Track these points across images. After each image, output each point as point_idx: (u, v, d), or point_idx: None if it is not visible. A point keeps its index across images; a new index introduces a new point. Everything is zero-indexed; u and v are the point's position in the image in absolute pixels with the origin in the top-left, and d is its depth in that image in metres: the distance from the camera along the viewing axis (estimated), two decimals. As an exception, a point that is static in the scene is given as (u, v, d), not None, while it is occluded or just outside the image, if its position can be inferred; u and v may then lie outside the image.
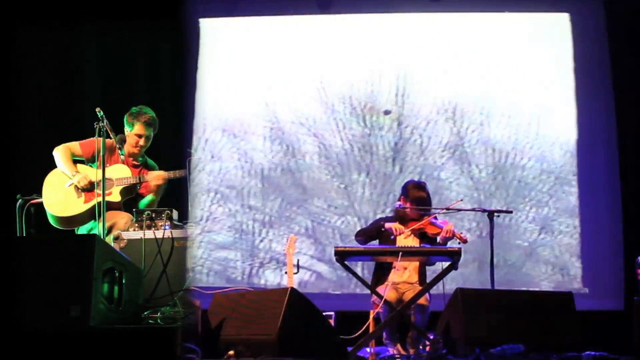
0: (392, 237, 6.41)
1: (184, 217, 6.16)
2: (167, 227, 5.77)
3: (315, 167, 8.20)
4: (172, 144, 7.48)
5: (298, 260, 6.53)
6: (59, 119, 7.88)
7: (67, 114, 7.93)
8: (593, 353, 4.57)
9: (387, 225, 6.44)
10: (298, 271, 6.45)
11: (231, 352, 4.99)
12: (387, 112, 8.14)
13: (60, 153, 6.25)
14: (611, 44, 8.02)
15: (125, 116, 6.38)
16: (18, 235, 6.11)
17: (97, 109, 5.77)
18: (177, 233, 5.79)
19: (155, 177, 6.22)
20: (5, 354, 4.37)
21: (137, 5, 7.90)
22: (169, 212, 5.84)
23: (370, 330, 6.06)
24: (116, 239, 5.81)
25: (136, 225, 5.84)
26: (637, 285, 6.63)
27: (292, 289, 5.13)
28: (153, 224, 5.80)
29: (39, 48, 8.09)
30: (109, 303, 4.79)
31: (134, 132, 6.34)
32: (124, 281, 4.93)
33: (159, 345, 4.45)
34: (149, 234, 5.74)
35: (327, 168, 8.20)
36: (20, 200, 6.23)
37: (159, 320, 5.13)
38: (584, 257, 7.94)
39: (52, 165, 6.28)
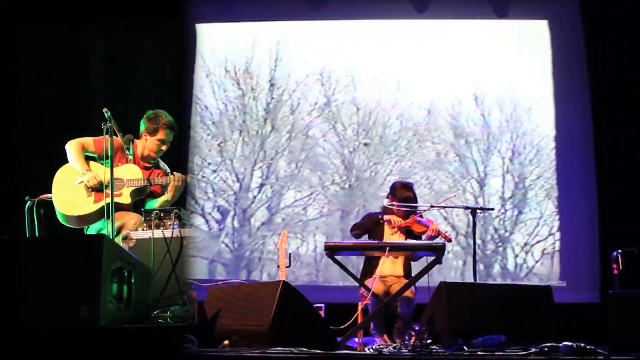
0: (393, 227, 6.42)
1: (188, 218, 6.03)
2: (175, 227, 5.55)
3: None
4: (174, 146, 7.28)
5: (290, 255, 6.54)
6: (65, 120, 7.75)
7: (74, 115, 7.83)
8: (570, 343, 4.56)
9: (386, 217, 6.46)
10: (290, 265, 6.47)
11: (226, 342, 4.98)
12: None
13: (73, 148, 5.92)
14: (587, 48, 8.06)
15: (142, 120, 6.09)
16: (27, 236, 5.81)
17: (105, 110, 5.49)
18: (185, 232, 5.58)
19: (176, 178, 5.92)
20: (15, 354, 4.22)
21: (140, 8, 7.87)
22: (177, 211, 5.60)
23: (359, 321, 6.07)
24: (125, 238, 5.57)
25: (145, 224, 5.60)
26: (613, 279, 6.67)
27: (285, 282, 5.13)
28: (162, 224, 5.57)
29: (45, 49, 8.00)
30: (118, 303, 4.61)
31: (158, 137, 6.05)
32: (133, 281, 4.75)
33: (169, 344, 4.31)
34: (158, 233, 5.52)
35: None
36: (28, 202, 5.92)
37: (168, 320, 4.99)
38: (562, 252, 7.97)
39: (59, 167, 5.96)
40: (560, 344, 4.56)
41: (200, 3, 8.26)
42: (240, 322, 5.12)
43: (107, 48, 8.27)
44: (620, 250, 6.65)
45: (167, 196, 5.97)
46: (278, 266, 6.48)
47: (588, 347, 4.53)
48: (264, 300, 5.04)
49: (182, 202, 6.08)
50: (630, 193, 7.74)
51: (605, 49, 7.97)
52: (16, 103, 7.84)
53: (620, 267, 6.59)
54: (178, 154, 6.89)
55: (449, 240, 6.27)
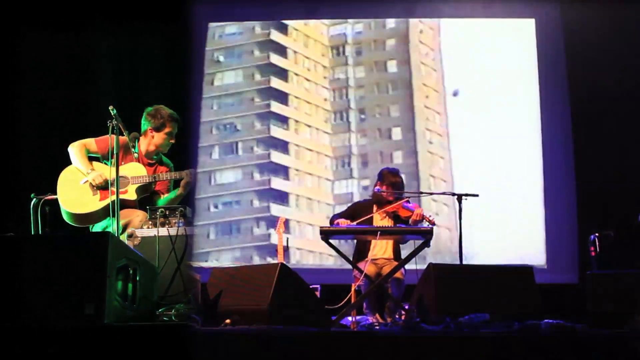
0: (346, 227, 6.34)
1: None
2: (180, 224, 5.28)
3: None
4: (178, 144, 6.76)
5: (287, 239, 6.54)
6: (72, 120, 7.64)
7: (80, 114, 7.69)
8: (551, 321, 4.57)
9: (336, 221, 6.35)
10: (288, 248, 6.47)
11: (228, 321, 4.97)
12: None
13: (75, 149, 5.65)
14: (568, 48, 8.08)
15: (144, 117, 5.85)
16: (32, 233, 5.59)
17: (110, 107, 5.23)
18: (190, 230, 5.33)
19: (188, 173, 5.67)
20: (20, 352, 4.07)
21: (146, 8, 7.82)
22: (182, 209, 5.33)
23: (352, 301, 6.08)
24: (130, 236, 5.33)
25: (150, 222, 5.35)
26: (590, 260, 6.68)
27: (282, 264, 5.12)
28: (167, 221, 5.30)
29: (51, 49, 7.88)
30: (123, 300, 4.44)
31: (165, 131, 5.81)
32: (138, 278, 4.56)
33: (174, 342, 4.15)
34: (163, 231, 5.24)
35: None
36: (34, 200, 5.68)
37: (173, 318, 4.78)
38: (543, 236, 7.99)
39: (65, 164, 5.71)
40: (541, 322, 4.56)
41: (201, 3, 8.25)
42: (241, 302, 5.11)
43: (113, 47, 8.16)
44: (597, 234, 6.66)
45: (180, 190, 5.74)
46: (276, 250, 6.47)
47: (567, 324, 4.53)
48: (263, 281, 5.03)
49: (185, 200, 5.89)
50: (606, 181, 7.76)
51: (583, 48, 7.99)
52: (23, 102, 7.73)
53: (598, 250, 6.60)
54: (182, 149, 6.76)
55: (433, 224, 6.23)
